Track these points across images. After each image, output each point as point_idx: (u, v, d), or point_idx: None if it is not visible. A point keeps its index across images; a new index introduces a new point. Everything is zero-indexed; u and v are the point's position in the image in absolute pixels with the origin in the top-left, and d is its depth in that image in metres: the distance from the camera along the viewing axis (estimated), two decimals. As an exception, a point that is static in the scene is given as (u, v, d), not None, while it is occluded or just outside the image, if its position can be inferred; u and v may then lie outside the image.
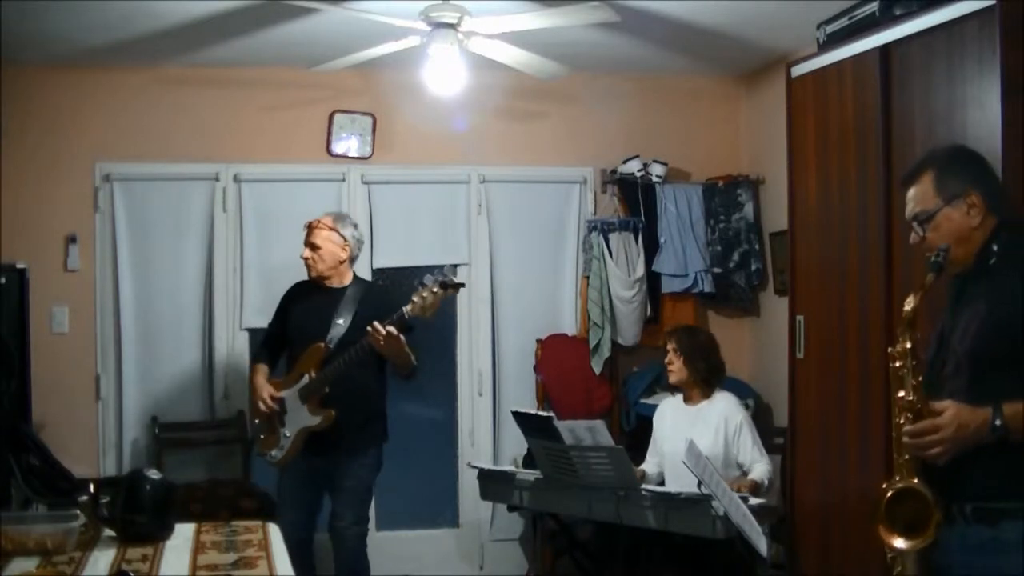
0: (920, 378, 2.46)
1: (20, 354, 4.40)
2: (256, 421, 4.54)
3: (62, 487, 3.22)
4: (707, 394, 4.46)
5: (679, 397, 4.57)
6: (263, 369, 4.51)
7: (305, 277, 4.53)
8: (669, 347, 4.48)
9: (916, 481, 2.43)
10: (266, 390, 4.40)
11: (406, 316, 4.07)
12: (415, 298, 4.06)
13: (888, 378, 2.52)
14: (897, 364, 2.46)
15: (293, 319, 4.52)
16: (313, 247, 4.40)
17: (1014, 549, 2.35)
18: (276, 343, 4.59)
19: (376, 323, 4.07)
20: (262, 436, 4.51)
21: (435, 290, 4.02)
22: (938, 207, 2.51)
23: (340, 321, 4.30)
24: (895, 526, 2.44)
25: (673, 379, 4.48)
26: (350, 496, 4.41)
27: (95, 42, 4.88)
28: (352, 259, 4.48)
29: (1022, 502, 2.35)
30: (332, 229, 4.41)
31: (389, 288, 4.28)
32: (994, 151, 3.11)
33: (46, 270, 5.24)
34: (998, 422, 2.32)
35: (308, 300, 4.49)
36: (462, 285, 4.01)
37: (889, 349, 2.50)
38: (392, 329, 4.05)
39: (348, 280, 4.46)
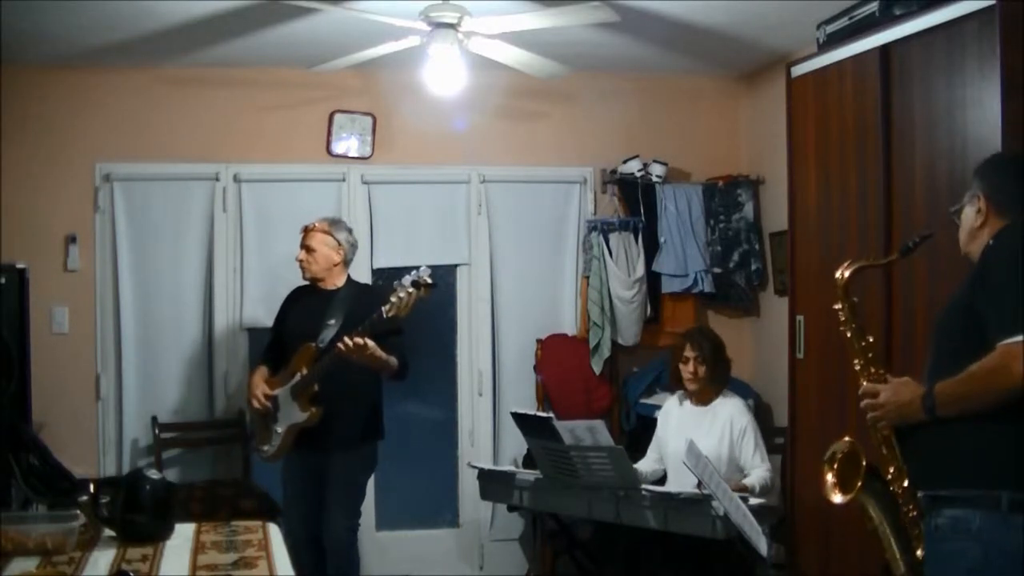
0: (863, 343, 2.73)
1: (20, 354, 4.39)
2: (250, 418, 4.65)
3: (62, 487, 3.22)
4: (715, 395, 4.45)
5: (679, 395, 4.57)
6: (263, 370, 4.61)
7: (303, 281, 4.62)
8: (689, 353, 4.42)
9: (853, 442, 2.69)
10: (260, 388, 4.48)
11: (384, 316, 4.11)
12: (392, 299, 4.10)
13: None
14: (842, 328, 2.78)
15: (290, 321, 4.62)
16: (308, 249, 4.51)
17: (947, 537, 2.44)
18: (277, 345, 4.66)
19: (345, 337, 4.13)
20: (257, 432, 4.62)
21: (409, 290, 4.08)
22: (962, 205, 2.69)
23: (331, 322, 4.37)
24: (845, 484, 2.68)
25: (692, 386, 4.44)
26: (339, 490, 4.46)
27: (95, 42, 4.88)
28: (346, 262, 4.57)
29: (955, 489, 2.44)
30: (327, 233, 4.51)
31: (379, 290, 4.33)
32: (994, 151, 3.10)
33: (46, 270, 5.24)
34: (928, 397, 2.47)
35: (304, 302, 4.60)
36: (434, 285, 4.12)
37: (835, 306, 2.82)
38: (359, 340, 4.10)
39: (341, 282, 4.55)
